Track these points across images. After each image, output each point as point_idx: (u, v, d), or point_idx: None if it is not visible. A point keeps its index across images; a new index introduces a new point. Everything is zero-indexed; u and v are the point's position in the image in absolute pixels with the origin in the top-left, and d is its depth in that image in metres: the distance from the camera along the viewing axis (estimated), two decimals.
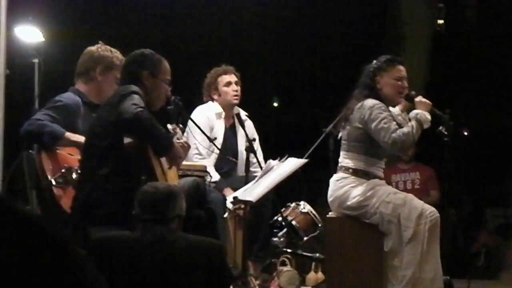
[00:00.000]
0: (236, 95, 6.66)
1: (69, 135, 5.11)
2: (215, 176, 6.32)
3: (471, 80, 12.45)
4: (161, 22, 11.20)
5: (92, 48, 5.50)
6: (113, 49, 5.50)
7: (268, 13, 11.47)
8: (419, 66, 9.77)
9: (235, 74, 6.73)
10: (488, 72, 12.03)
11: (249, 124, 6.69)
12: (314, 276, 6.93)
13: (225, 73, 6.70)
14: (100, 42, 5.53)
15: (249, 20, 11.47)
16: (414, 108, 5.41)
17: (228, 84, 6.65)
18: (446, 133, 5.53)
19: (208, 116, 6.54)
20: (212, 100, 6.70)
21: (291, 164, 5.29)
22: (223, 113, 6.62)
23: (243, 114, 6.58)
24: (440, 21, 8.99)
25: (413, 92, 5.51)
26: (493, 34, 11.94)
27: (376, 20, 11.06)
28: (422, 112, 5.33)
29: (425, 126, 5.33)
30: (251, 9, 11.13)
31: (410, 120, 5.35)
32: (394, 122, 5.24)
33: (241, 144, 6.63)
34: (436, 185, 8.74)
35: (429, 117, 5.34)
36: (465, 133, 13.71)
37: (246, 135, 5.77)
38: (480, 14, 12.27)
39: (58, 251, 0.98)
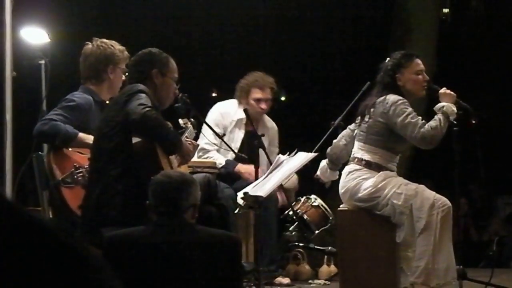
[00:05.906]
0: (262, 112, 6.65)
1: (82, 136, 5.08)
2: (221, 160, 6.32)
3: (478, 68, 12.40)
4: (169, 20, 11.17)
5: (90, 47, 5.43)
6: (108, 42, 5.45)
7: (274, 8, 11.45)
8: (426, 56, 9.70)
9: (270, 89, 6.68)
10: (495, 60, 11.97)
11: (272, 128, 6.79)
12: (327, 269, 6.93)
13: (260, 88, 6.63)
14: (94, 38, 5.48)
15: (254, 14, 11.45)
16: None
17: (258, 100, 6.61)
18: (455, 122, 5.50)
19: (221, 113, 6.52)
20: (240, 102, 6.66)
21: (301, 158, 5.27)
22: (244, 120, 6.55)
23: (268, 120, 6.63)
24: (446, 10, 8.96)
25: (435, 85, 5.49)
26: (499, 21, 11.89)
27: (382, 12, 11.02)
28: (448, 105, 5.30)
29: (451, 118, 5.30)
30: (258, 5, 11.13)
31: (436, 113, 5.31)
32: (420, 117, 5.21)
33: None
34: None
35: (455, 109, 5.31)
36: (474, 122, 13.67)
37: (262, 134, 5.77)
38: (486, 1, 12.22)
39: (73, 257, 0.96)
